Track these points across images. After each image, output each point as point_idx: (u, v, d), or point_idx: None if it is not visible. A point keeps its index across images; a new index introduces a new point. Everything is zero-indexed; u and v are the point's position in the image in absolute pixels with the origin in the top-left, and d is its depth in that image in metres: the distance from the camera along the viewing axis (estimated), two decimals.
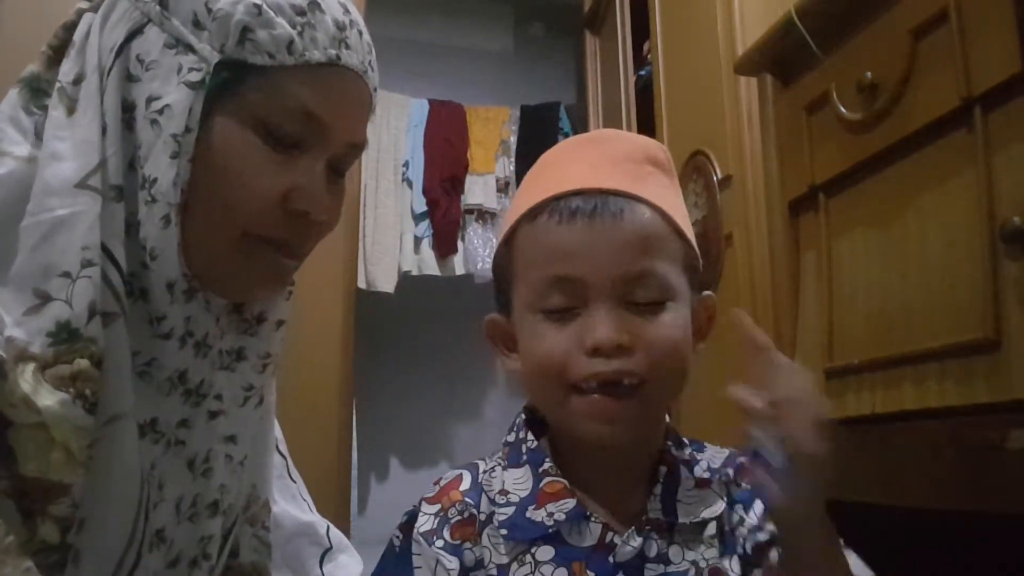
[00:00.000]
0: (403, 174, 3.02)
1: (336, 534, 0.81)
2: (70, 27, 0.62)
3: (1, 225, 0.56)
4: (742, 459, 0.65)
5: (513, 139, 3.15)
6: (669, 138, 1.96)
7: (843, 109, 1.06)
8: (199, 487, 0.65)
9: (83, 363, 0.53)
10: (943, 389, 0.88)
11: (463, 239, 3.07)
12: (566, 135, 3.12)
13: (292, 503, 0.81)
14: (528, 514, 0.60)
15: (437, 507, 0.62)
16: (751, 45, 1.32)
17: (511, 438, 0.66)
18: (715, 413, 1.63)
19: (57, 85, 0.59)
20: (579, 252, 0.57)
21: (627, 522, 0.60)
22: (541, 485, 0.61)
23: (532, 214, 0.60)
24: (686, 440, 0.67)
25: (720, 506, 0.62)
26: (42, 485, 0.52)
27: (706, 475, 0.64)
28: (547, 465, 0.62)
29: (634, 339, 0.57)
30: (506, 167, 3.13)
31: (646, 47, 2.24)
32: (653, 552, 0.59)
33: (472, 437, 3.31)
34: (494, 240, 3.07)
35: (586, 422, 0.58)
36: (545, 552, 0.59)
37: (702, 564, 0.60)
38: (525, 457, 0.63)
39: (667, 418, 0.67)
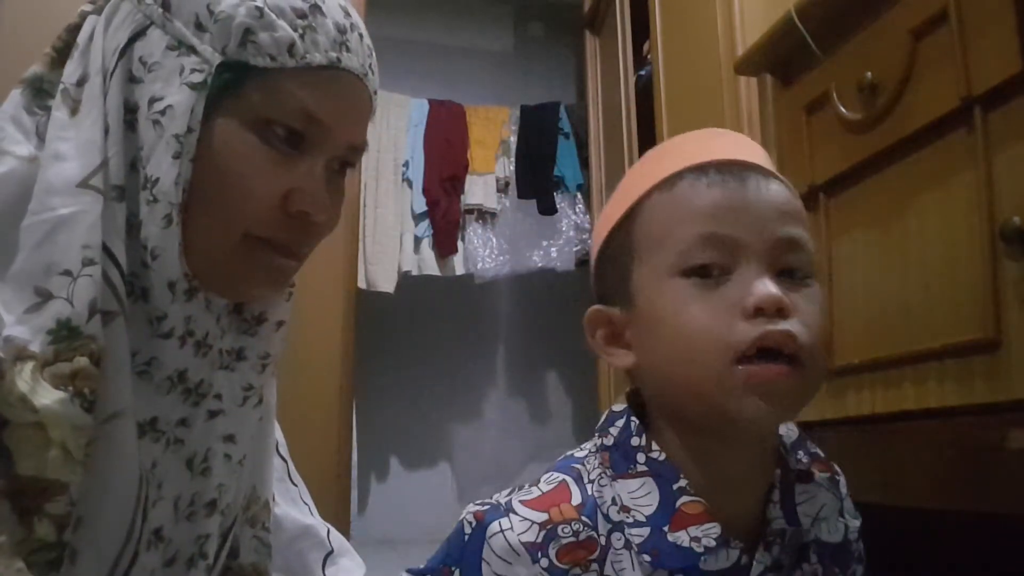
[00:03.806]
0: (403, 174, 3.02)
1: (337, 537, 0.81)
2: (73, 29, 0.62)
3: (1, 224, 0.56)
4: (813, 448, 0.62)
5: (513, 139, 3.15)
6: (669, 138, 1.96)
7: (843, 109, 1.06)
8: (197, 486, 0.65)
9: (83, 361, 0.53)
10: (943, 389, 0.88)
11: (463, 239, 3.07)
12: (566, 135, 3.12)
13: (293, 506, 0.81)
14: (670, 538, 0.53)
15: (543, 516, 0.54)
16: (751, 45, 1.32)
17: (609, 441, 0.58)
18: None
19: (61, 86, 0.59)
20: (734, 210, 0.54)
21: (746, 534, 0.55)
22: (678, 505, 0.54)
23: (670, 183, 0.58)
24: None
25: (829, 501, 0.58)
26: (39, 484, 0.52)
27: (804, 464, 0.59)
28: (683, 483, 0.54)
29: (792, 305, 0.52)
30: (506, 167, 3.13)
31: (646, 47, 2.24)
32: (779, 566, 0.55)
33: (472, 437, 3.31)
34: (494, 240, 3.07)
35: (747, 396, 0.51)
36: None
37: (820, 572, 0.57)
38: (644, 467, 0.55)
39: None
